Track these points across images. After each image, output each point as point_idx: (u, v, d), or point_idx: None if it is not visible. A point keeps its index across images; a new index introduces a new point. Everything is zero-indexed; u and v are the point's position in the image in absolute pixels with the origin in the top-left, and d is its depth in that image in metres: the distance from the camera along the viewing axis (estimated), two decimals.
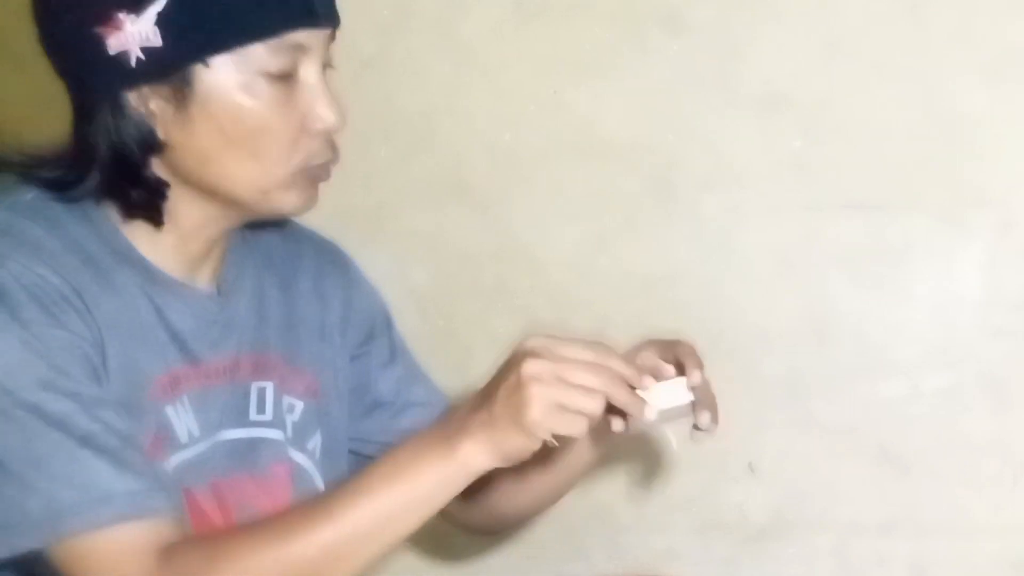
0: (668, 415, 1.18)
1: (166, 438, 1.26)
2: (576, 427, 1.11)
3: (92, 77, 1.22)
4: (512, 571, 2.01)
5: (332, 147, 1.28)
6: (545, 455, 1.31)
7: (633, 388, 1.14)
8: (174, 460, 1.27)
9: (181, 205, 1.27)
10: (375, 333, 1.50)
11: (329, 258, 1.48)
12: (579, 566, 1.97)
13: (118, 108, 1.22)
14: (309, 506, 1.18)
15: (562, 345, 1.12)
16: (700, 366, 1.22)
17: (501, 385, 1.12)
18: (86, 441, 1.15)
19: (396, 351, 1.52)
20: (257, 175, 1.24)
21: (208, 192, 1.26)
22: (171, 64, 1.20)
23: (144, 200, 1.26)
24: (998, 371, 1.81)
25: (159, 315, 1.27)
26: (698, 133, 1.89)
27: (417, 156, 2.01)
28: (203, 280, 1.33)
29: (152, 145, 1.23)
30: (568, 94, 1.93)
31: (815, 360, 1.87)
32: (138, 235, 1.28)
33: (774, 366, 1.89)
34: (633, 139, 1.91)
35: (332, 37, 1.28)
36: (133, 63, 1.19)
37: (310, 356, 1.41)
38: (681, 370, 1.21)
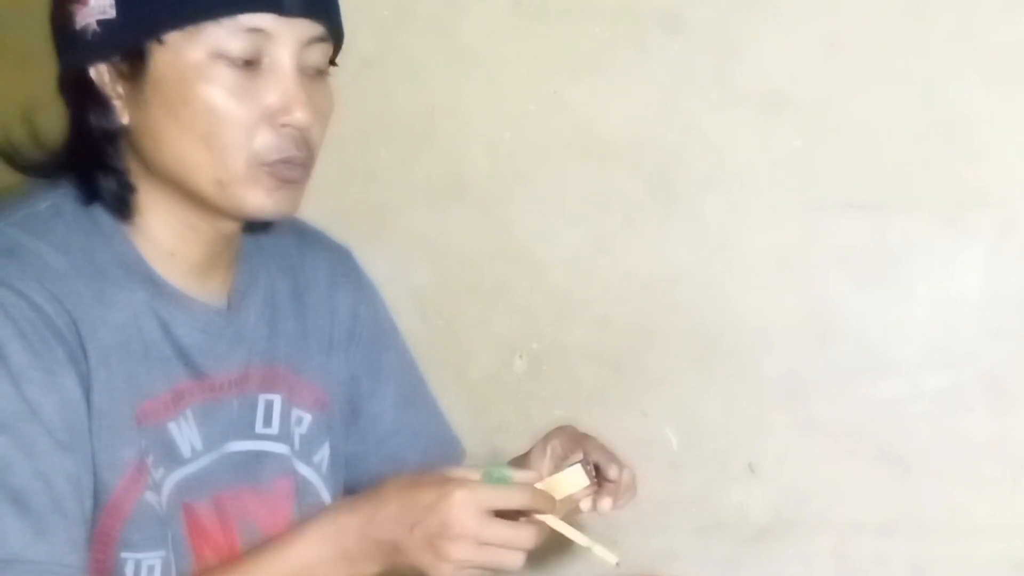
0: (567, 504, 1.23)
1: (166, 455, 1.25)
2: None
3: (64, 53, 1.23)
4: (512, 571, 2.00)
5: (301, 145, 1.22)
6: None
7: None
8: (176, 476, 1.26)
9: (154, 197, 1.25)
10: (376, 349, 1.48)
11: (342, 270, 1.46)
12: (579, 566, 1.97)
13: (84, 87, 1.22)
14: None
15: (489, 496, 1.14)
16: (614, 460, 1.28)
17: (420, 523, 1.13)
18: (16, 496, 1.12)
19: (395, 370, 1.49)
20: (210, 164, 1.20)
21: (171, 182, 1.23)
22: (124, 38, 1.19)
23: (112, 187, 1.24)
24: (998, 371, 1.81)
25: (165, 330, 1.25)
26: (698, 133, 1.88)
27: (417, 156, 2.00)
28: (213, 291, 1.31)
29: (113, 127, 1.22)
30: (568, 94, 1.93)
31: (815, 360, 1.87)
32: (147, 246, 1.26)
33: (774, 366, 1.89)
34: (633, 139, 1.91)
35: (319, 34, 1.22)
36: (90, 36, 1.19)
37: (319, 368, 1.40)
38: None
